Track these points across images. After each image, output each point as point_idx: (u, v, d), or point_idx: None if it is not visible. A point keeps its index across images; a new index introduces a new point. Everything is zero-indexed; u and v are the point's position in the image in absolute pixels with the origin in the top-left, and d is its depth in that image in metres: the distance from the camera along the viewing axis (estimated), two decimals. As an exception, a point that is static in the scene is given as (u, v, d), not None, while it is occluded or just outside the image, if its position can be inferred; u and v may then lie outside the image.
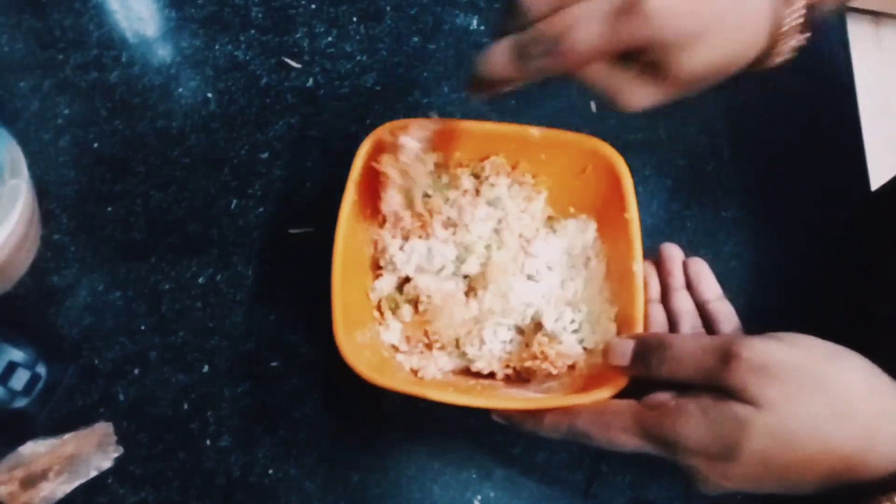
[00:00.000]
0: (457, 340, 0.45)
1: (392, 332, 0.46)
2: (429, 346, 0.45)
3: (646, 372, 0.36)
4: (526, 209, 0.49)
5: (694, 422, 0.33)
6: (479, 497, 0.46)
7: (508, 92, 0.36)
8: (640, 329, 0.41)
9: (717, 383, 0.33)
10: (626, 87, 0.35)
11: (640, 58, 0.33)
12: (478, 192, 0.48)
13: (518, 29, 0.34)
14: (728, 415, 0.32)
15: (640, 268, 0.42)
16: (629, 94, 0.35)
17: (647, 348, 0.37)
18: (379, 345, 0.45)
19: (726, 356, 0.33)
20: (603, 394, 0.38)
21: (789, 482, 0.33)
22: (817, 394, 0.32)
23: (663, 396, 0.35)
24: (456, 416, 0.48)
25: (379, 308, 0.47)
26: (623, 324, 0.43)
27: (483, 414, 0.48)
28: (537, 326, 0.45)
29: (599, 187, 0.47)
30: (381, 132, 0.45)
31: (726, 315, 0.43)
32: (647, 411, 0.35)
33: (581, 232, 0.48)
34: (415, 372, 0.45)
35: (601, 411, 0.37)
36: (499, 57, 0.34)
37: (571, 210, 0.49)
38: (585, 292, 0.47)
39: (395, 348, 0.46)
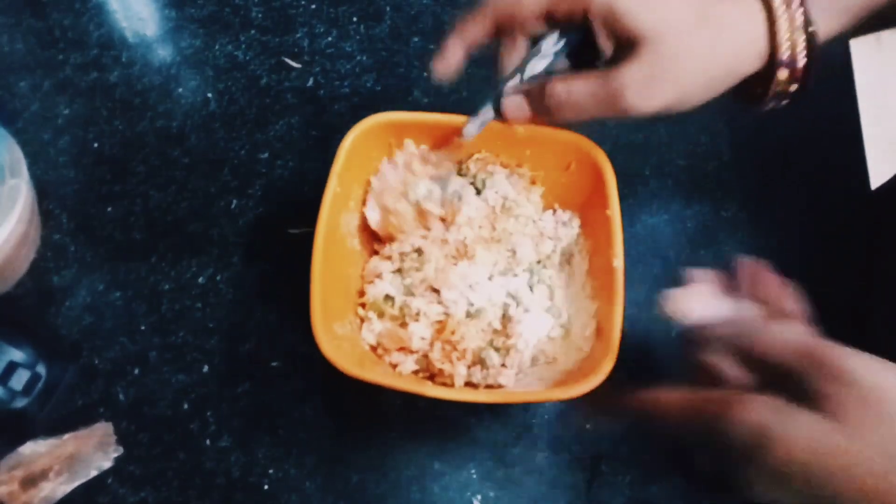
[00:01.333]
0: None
1: (372, 333, 0.46)
2: (402, 351, 0.45)
3: (733, 349, 0.34)
4: (528, 197, 0.49)
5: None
6: (479, 497, 0.46)
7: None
8: (618, 329, 0.40)
9: (803, 382, 0.31)
10: (626, 88, 0.35)
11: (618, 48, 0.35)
12: (476, 187, 0.49)
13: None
14: (807, 422, 0.30)
15: (621, 264, 0.42)
16: (631, 95, 0.35)
17: (739, 327, 0.35)
18: (359, 338, 0.45)
19: (822, 359, 0.31)
20: (582, 388, 0.38)
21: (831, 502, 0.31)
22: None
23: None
24: (456, 416, 0.48)
25: (364, 306, 0.47)
26: (603, 320, 0.43)
27: (482, 413, 0.48)
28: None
29: (583, 184, 0.47)
30: (366, 124, 0.46)
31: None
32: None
33: (566, 228, 0.48)
34: (394, 366, 0.45)
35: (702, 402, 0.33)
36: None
37: (556, 206, 0.49)
38: (568, 289, 0.47)
39: (373, 348, 0.46)
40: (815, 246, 0.56)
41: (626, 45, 0.36)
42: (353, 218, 0.48)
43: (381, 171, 0.49)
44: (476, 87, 0.60)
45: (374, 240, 0.49)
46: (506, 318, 0.46)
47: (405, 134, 0.48)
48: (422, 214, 0.47)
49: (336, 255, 0.45)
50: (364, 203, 0.48)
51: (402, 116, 0.47)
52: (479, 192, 0.48)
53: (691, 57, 0.35)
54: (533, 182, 0.49)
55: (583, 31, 0.38)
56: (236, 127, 0.58)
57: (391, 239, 0.48)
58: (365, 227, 0.49)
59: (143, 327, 0.50)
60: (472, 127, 0.44)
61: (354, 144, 0.45)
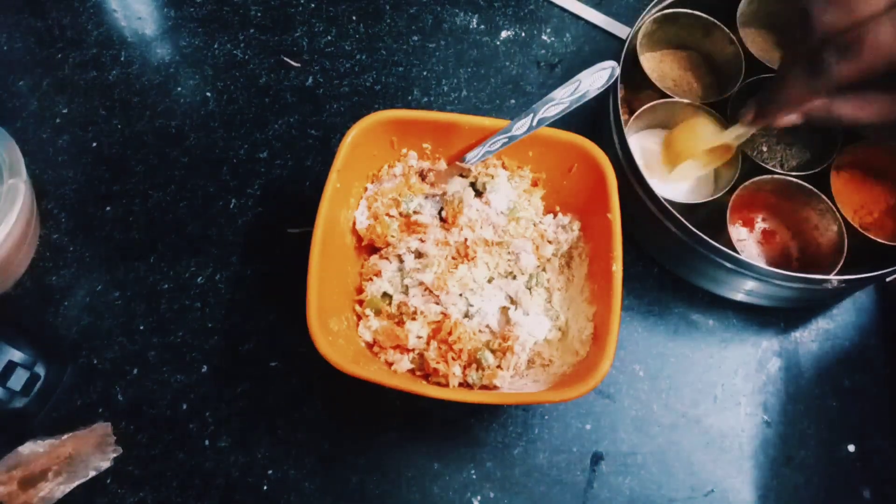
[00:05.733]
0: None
1: (369, 330, 0.46)
2: (398, 349, 0.45)
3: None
4: (529, 200, 0.49)
5: None
6: (478, 497, 0.46)
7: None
8: (615, 333, 0.40)
9: None
10: None
11: None
12: (476, 189, 0.48)
13: (809, 50, 0.33)
14: None
15: (620, 269, 0.42)
16: None
17: None
18: (355, 335, 0.45)
19: None
20: (576, 391, 0.38)
21: None
22: None
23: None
24: (455, 417, 0.48)
25: (362, 303, 0.47)
26: (600, 324, 0.43)
27: (482, 414, 0.48)
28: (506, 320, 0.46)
29: (585, 187, 0.46)
30: (368, 121, 0.45)
31: None
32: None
33: (566, 231, 0.48)
34: (389, 364, 0.45)
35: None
36: (791, 76, 0.33)
37: (558, 209, 0.49)
38: (566, 292, 0.47)
39: (369, 345, 0.46)
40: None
41: None
42: (353, 215, 0.48)
43: (380, 177, 0.49)
44: (476, 87, 0.60)
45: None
46: (504, 321, 0.45)
47: (407, 131, 0.47)
48: (409, 225, 0.48)
49: (334, 250, 0.45)
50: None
51: (405, 114, 0.47)
52: (480, 194, 0.48)
53: None
54: (534, 184, 0.49)
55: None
56: (235, 126, 0.57)
57: (373, 244, 0.48)
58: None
59: (142, 327, 0.50)
60: (475, 155, 0.44)
61: (356, 141, 0.45)
